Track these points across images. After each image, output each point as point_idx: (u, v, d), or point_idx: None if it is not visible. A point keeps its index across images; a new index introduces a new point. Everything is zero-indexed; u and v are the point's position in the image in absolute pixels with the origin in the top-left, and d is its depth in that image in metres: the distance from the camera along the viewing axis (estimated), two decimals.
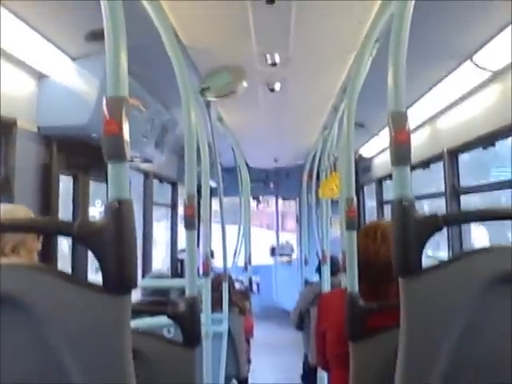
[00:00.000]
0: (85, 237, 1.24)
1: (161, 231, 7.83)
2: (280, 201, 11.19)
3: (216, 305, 4.05)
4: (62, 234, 1.39)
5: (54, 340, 1.20)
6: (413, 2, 1.51)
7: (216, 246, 4.79)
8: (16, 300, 1.21)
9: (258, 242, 10.89)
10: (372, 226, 2.26)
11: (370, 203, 8.18)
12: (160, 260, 7.61)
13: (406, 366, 1.42)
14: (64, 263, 4.20)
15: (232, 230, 7.12)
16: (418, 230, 1.42)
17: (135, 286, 1.26)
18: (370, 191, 8.05)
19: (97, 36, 2.87)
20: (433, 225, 1.44)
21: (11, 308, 1.21)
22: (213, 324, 3.23)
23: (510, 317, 1.38)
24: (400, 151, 1.45)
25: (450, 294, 1.41)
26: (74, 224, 1.24)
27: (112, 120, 1.23)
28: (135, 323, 2.55)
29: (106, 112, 1.24)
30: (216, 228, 4.29)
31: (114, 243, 1.22)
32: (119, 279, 1.23)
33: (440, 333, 1.39)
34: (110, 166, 1.25)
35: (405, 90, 1.48)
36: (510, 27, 2.75)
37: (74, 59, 3.27)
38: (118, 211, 1.23)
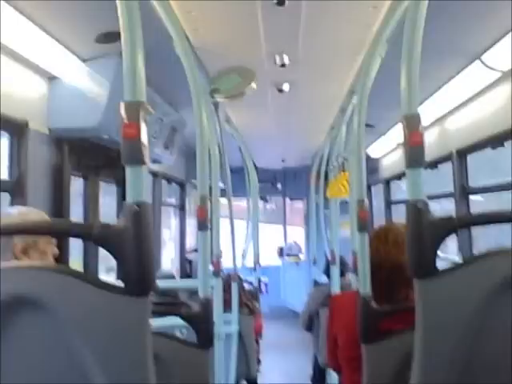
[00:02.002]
0: (104, 240, 1.25)
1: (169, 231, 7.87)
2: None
3: (226, 305, 4.06)
4: (81, 236, 1.39)
5: (75, 342, 1.21)
6: (426, 3, 1.51)
7: (224, 245, 4.79)
8: (37, 301, 1.22)
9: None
10: (383, 228, 2.24)
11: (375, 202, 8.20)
12: (169, 260, 7.64)
13: (421, 367, 1.42)
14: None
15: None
16: (433, 231, 1.42)
17: (154, 287, 1.27)
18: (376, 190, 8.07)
19: (108, 38, 2.88)
20: (447, 227, 1.44)
21: (32, 309, 1.22)
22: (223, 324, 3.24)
23: None
24: (414, 153, 1.45)
25: (466, 296, 1.41)
26: (93, 227, 1.25)
27: (131, 124, 1.24)
28: None
29: (124, 116, 1.24)
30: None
31: (134, 246, 1.23)
32: (139, 281, 1.24)
33: (456, 334, 1.39)
34: (128, 170, 1.25)
35: (418, 91, 1.48)
36: None
37: (84, 60, 3.28)
38: (137, 214, 1.23)
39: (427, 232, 1.42)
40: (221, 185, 4.45)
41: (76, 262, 4.15)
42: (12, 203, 2.99)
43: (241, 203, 7.79)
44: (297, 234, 11.40)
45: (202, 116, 2.27)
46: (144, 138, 1.26)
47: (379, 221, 7.74)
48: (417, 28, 1.48)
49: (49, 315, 1.21)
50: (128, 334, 1.23)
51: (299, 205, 11.25)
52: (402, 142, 1.48)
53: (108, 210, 4.95)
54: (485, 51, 3.20)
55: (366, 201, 2.33)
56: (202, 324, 2.05)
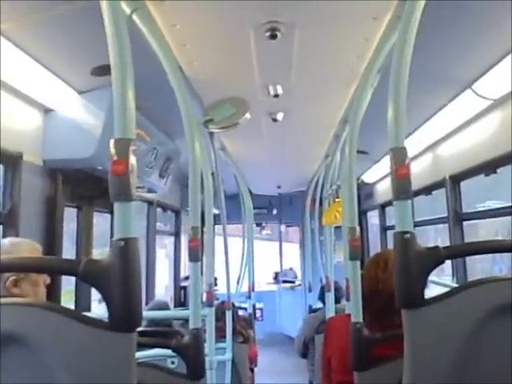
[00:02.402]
0: (90, 276, 1.25)
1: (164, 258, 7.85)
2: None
3: (219, 334, 4.03)
4: (67, 273, 1.40)
5: (61, 377, 1.21)
6: (412, 41, 1.54)
7: (219, 271, 4.78)
8: (23, 338, 1.22)
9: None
10: (382, 255, 2.23)
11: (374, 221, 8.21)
12: (163, 287, 7.60)
13: None
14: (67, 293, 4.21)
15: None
16: (420, 262, 1.44)
17: (140, 323, 1.27)
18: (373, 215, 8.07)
19: (103, 70, 2.91)
20: (434, 258, 1.46)
21: (18, 346, 1.22)
22: (216, 353, 3.22)
23: (511, 346, 1.39)
24: (401, 186, 1.48)
25: (453, 325, 1.42)
26: (79, 263, 1.26)
27: (119, 161, 1.26)
28: (139, 355, 2.54)
29: (113, 153, 1.26)
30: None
31: (120, 282, 1.24)
32: (125, 317, 1.24)
33: (443, 363, 1.40)
34: (116, 206, 1.27)
35: (405, 125, 1.51)
36: (509, 56, 2.79)
37: (80, 93, 3.32)
38: (124, 250, 1.25)
39: (414, 263, 1.44)
40: (216, 211, 4.46)
41: (69, 292, 4.15)
42: (4, 235, 3.00)
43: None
44: (294, 253, 11.36)
45: (194, 147, 2.29)
46: (133, 174, 1.28)
47: (376, 246, 7.75)
48: (403, 66, 1.52)
49: (34, 351, 1.22)
50: (113, 369, 1.23)
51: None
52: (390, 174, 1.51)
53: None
54: (476, 80, 3.25)
55: (358, 228, 2.34)
56: (191, 355, 2.05)
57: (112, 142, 1.27)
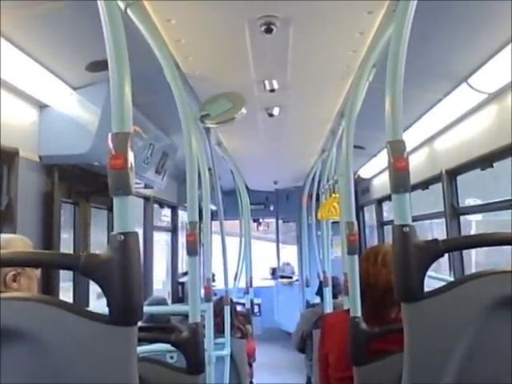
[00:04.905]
0: (90, 270, 1.25)
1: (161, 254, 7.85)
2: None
3: (218, 329, 4.04)
4: (68, 268, 1.40)
5: (61, 371, 1.21)
6: (408, 34, 1.54)
7: (217, 267, 4.79)
8: (22, 332, 1.22)
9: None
10: (374, 249, 2.24)
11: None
12: (160, 283, 7.60)
13: None
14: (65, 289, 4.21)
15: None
16: (419, 255, 1.43)
17: (141, 317, 1.27)
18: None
19: (98, 66, 2.91)
20: (433, 251, 1.45)
21: (17, 340, 1.22)
22: (215, 348, 3.22)
23: (511, 340, 1.39)
24: (399, 178, 1.47)
25: (452, 318, 1.42)
26: (79, 257, 1.26)
27: (117, 155, 1.26)
28: (138, 350, 2.53)
29: (111, 147, 1.26)
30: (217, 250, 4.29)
31: (120, 275, 1.23)
32: (125, 311, 1.24)
33: (443, 356, 1.40)
34: (115, 200, 1.27)
35: (402, 117, 1.51)
36: (504, 50, 2.79)
37: (75, 89, 3.31)
38: (124, 244, 1.25)
39: (413, 256, 1.43)
40: (213, 207, 4.45)
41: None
42: (1, 231, 2.98)
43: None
44: (291, 253, 11.40)
45: (191, 142, 2.30)
46: (131, 168, 1.27)
47: (374, 241, 7.77)
48: (399, 57, 1.52)
49: (34, 345, 1.21)
50: (114, 362, 1.23)
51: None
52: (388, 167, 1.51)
53: None
54: (471, 74, 3.25)
55: (355, 223, 2.35)
56: (191, 349, 2.05)
57: (110, 136, 1.27)
